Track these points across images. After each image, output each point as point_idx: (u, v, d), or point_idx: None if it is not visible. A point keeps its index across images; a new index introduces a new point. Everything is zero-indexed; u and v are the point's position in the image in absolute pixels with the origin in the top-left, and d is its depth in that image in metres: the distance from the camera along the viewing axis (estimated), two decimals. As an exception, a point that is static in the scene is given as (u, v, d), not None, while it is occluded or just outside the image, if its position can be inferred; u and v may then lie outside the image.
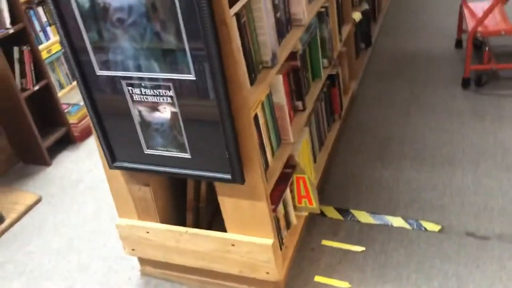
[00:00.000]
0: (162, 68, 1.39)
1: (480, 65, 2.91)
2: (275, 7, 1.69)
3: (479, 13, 2.96)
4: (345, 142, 2.62)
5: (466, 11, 3.06)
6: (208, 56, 1.30)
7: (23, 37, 2.75)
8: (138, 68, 1.42)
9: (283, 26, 1.80)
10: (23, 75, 2.78)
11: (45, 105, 2.97)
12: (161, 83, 1.42)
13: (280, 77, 1.72)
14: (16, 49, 2.73)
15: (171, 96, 1.43)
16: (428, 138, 2.53)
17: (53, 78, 3.13)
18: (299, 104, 1.99)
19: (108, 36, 1.39)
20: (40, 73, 2.85)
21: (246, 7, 1.48)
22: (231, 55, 1.34)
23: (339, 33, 2.51)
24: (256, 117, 1.59)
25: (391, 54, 3.45)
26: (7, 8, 2.65)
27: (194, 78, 1.37)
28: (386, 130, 2.66)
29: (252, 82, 1.55)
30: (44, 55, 3.06)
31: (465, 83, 2.90)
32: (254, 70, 1.56)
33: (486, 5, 3.09)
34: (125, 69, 1.43)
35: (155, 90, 1.44)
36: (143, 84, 1.44)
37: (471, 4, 3.14)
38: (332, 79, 2.44)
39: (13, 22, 2.69)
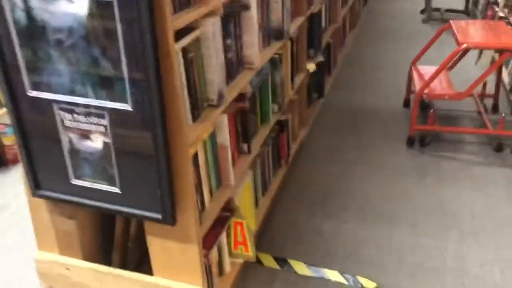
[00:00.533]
0: (97, 95, 1.31)
1: (425, 126, 3.01)
2: (227, 47, 1.68)
3: (427, 76, 3.09)
4: (289, 190, 2.59)
5: (414, 73, 3.19)
6: (148, 88, 1.24)
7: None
8: (73, 93, 1.33)
9: (234, 66, 1.78)
10: (-43, 88, 2.60)
11: (-21, 123, 2.79)
12: (95, 111, 1.34)
13: (225, 117, 1.68)
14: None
15: (104, 125, 1.35)
16: (370, 194, 2.54)
17: (-8, 95, 2.96)
18: (244, 146, 1.95)
19: (43, 56, 1.31)
20: (-23, 88, 2.69)
21: (195, 43, 1.44)
22: (172, 90, 1.29)
23: (291, 81, 2.53)
24: (196, 156, 1.53)
25: (342, 107, 3.52)
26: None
27: (131, 109, 1.30)
28: (331, 182, 2.65)
29: (194, 119, 1.50)
30: (-15, 70, 2.90)
31: (410, 142, 2.97)
32: (198, 107, 1.51)
33: (434, 69, 3.24)
34: (58, 92, 1.35)
35: (88, 118, 1.36)
36: (76, 110, 1.36)
37: (420, 67, 3.28)
38: (281, 125, 2.43)
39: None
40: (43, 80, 1.35)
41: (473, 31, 2.96)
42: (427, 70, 3.22)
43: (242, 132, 1.91)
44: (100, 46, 1.24)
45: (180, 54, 1.36)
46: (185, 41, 1.38)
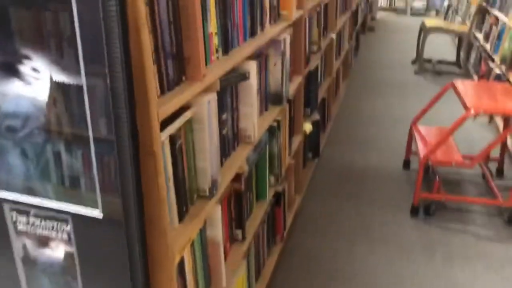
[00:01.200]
0: (60, 197, 1.03)
1: (430, 194, 2.77)
2: (222, 124, 1.43)
3: (429, 139, 2.89)
4: (284, 272, 2.29)
5: (416, 135, 2.98)
6: (123, 192, 0.97)
7: None
8: (29, 192, 1.05)
9: (229, 143, 1.53)
10: None
11: None
12: (57, 215, 1.05)
13: (219, 208, 1.40)
14: None
15: (68, 232, 1.07)
16: (374, 276, 2.26)
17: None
18: (238, 233, 1.67)
19: (-7, 145, 1.03)
20: None
21: (185, 126, 1.19)
22: (154, 191, 1.01)
23: (289, 146, 2.29)
24: (181, 262, 1.24)
25: (337, 167, 3.28)
26: None
27: (101, 215, 1.02)
28: (331, 262, 2.37)
29: (181, 218, 1.23)
30: None
31: (414, 211, 2.73)
32: (186, 201, 1.24)
33: (435, 130, 3.05)
34: (11, 190, 1.06)
35: (47, 222, 1.07)
36: (32, 212, 1.07)
37: (421, 128, 3.08)
38: (277, 197, 2.16)
39: None
40: (-9, 172, 1.07)
41: (480, 95, 2.78)
42: (429, 131, 3.03)
43: (236, 218, 1.63)
44: (63, 138, 0.97)
45: (167, 144, 1.10)
46: (174, 126, 1.12)
